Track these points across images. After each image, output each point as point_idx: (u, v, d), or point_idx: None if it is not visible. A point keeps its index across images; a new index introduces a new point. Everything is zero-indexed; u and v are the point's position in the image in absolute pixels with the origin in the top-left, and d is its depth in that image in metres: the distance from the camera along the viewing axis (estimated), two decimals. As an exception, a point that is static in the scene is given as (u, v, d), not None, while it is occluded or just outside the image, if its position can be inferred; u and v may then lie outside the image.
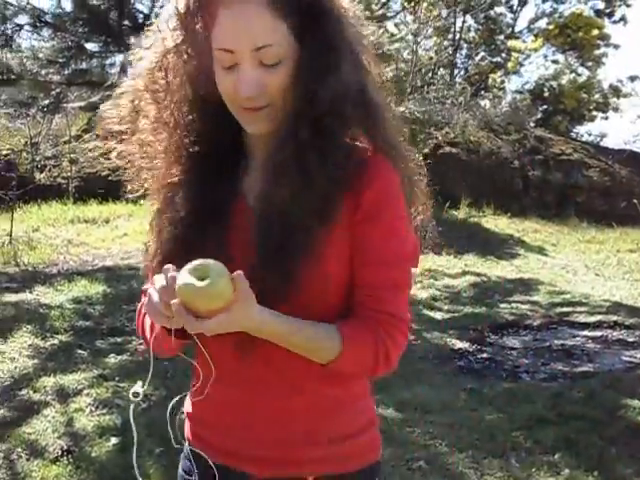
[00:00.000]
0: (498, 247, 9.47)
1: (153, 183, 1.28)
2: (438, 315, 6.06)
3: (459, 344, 5.24)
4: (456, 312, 6.15)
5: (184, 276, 1.02)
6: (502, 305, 6.42)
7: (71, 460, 3.23)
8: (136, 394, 1.13)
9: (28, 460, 3.25)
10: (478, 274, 7.68)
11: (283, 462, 1.22)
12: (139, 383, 1.15)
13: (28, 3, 7.09)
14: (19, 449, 3.35)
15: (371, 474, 1.29)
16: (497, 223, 11.18)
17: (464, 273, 7.70)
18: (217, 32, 1.13)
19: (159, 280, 1.07)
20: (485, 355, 5.05)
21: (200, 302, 1.01)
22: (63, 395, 4.01)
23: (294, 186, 1.13)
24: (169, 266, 1.06)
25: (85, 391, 4.07)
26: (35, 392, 4.05)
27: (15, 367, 4.42)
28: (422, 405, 3.97)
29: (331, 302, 1.18)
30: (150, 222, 1.29)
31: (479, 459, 3.37)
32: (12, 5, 6.94)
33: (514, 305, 6.41)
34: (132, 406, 1.17)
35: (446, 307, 6.33)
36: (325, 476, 1.24)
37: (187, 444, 1.32)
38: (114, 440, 3.45)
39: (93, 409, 3.82)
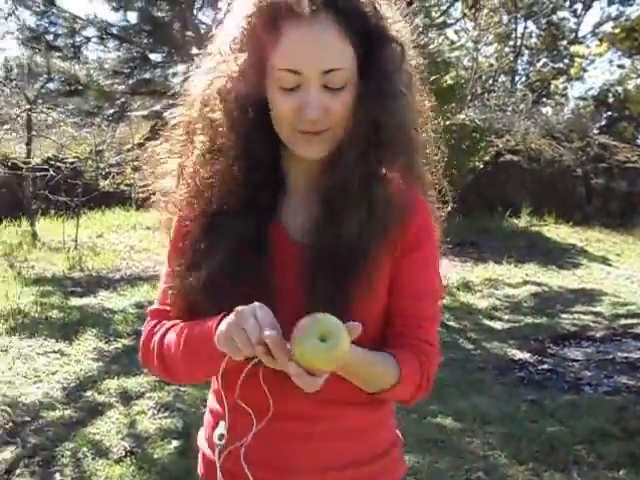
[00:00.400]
0: (560, 256, 9.30)
1: (188, 213, 1.20)
2: (498, 325, 5.99)
3: (519, 355, 5.17)
4: (516, 322, 6.06)
5: (307, 336, 0.97)
6: (564, 316, 6.30)
7: (134, 461, 3.30)
8: (221, 436, 1.14)
9: (93, 459, 3.34)
10: (539, 284, 7.56)
11: None
12: (222, 424, 1.16)
13: (95, 16, 7.31)
14: (84, 448, 3.44)
15: None
16: (559, 232, 10.98)
17: (525, 282, 7.59)
18: (282, 51, 1.08)
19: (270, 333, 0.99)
20: (546, 366, 4.96)
21: (323, 364, 0.98)
22: (126, 398, 4.11)
23: (362, 217, 1.13)
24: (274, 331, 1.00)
25: (147, 394, 4.15)
26: (100, 394, 4.16)
27: (80, 369, 4.55)
28: (481, 415, 3.92)
29: (372, 332, 1.17)
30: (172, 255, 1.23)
31: (540, 472, 3.32)
32: (80, 19, 7.16)
33: (576, 316, 6.29)
34: (217, 449, 1.16)
35: (506, 317, 6.25)
36: None
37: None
38: (175, 443, 3.52)
39: (155, 412, 3.90)
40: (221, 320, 1.07)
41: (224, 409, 1.17)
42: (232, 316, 1.03)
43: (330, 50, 1.08)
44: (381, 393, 1.16)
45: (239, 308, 1.03)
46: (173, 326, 1.20)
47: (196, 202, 1.18)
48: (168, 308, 1.23)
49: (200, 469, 1.31)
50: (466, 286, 7.31)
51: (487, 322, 6.07)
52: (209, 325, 1.10)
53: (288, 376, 1.02)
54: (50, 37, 7.54)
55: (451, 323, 5.96)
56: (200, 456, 1.32)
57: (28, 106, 10.67)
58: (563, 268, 8.57)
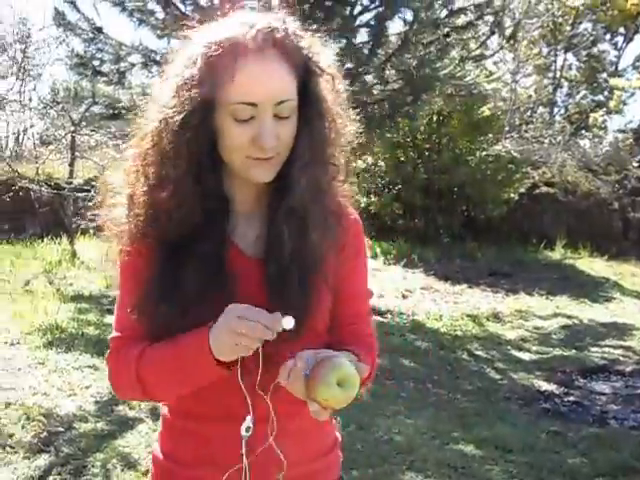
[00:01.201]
0: (593, 290, 9.24)
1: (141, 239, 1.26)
2: (526, 356, 5.99)
3: (545, 386, 5.17)
4: (544, 354, 6.06)
5: (328, 385, 1.10)
6: (593, 349, 6.28)
7: (161, 474, 3.40)
8: (248, 429, 1.24)
9: (122, 471, 3.45)
10: (570, 316, 7.53)
11: None
12: (249, 418, 1.24)
13: (140, 43, 7.55)
14: (114, 460, 3.56)
15: None
16: (593, 265, 10.91)
17: (555, 315, 7.57)
18: (239, 86, 1.14)
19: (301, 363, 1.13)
20: (572, 398, 4.96)
21: (339, 405, 1.12)
22: (156, 413, 4.21)
23: (318, 229, 1.25)
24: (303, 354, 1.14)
25: (162, 411, 4.25)
26: (131, 409, 4.28)
27: (113, 384, 4.67)
28: (503, 444, 3.95)
29: (322, 334, 1.32)
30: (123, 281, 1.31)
31: (559, 502, 3.34)
32: (126, 46, 7.40)
33: (606, 349, 6.26)
34: (244, 440, 1.25)
35: (534, 348, 6.25)
36: None
37: None
38: (202, 458, 3.61)
39: (183, 428, 3.99)
40: (203, 338, 1.17)
41: (246, 403, 1.24)
42: (228, 321, 1.14)
43: (281, 83, 1.17)
44: None
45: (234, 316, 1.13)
46: (145, 349, 1.24)
47: (149, 233, 1.24)
48: (128, 334, 1.28)
49: (152, 476, 1.40)
50: (496, 316, 7.33)
51: (515, 353, 6.07)
52: (195, 341, 1.18)
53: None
54: (96, 63, 7.80)
55: (479, 352, 5.99)
56: (152, 465, 1.40)
57: (72, 128, 10.99)
58: (595, 301, 8.52)
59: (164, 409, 1.38)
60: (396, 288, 8.41)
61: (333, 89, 1.26)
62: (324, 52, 1.26)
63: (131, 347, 1.25)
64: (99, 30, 7.18)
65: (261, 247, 1.28)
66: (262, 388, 1.23)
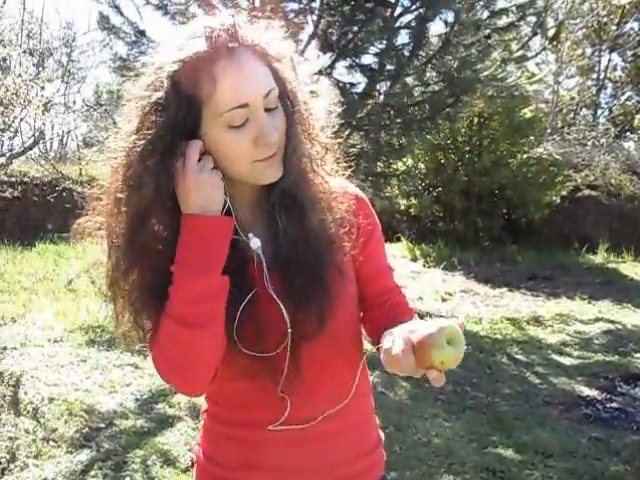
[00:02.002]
0: (636, 295, 9.04)
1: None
2: (567, 361, 5.90)
3: (587, 391, 5.08)
4: (586, 359, 5.95)
5: (442, 346, 1.11)
6: (637, 355, 6.14)
7: (199, 472, 3.43)
8: (257, 245, 1.23)
9: (162, 467, 3.49)
10: (612, 321, 7.39)
11: None
12: (252, 237, 1.23)
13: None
14: (154, 457, 3.61)
15: None
16: (637, 270, 10.69)
17: (597, 319, 7.43)
18: (225, 93, 1.11)
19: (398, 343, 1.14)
20: (615, 405, 4.87)
21: (455, 364, 1.13)
22: (195, 412, 4.25)
23: (316, 212, 1.24)
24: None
25: (202, 416, 4.28)
26: (170, 407, 4.33)
27: (153, 383, 4.74)
28: (543, 449, 3.89)
29: (352, 322, 1.34)
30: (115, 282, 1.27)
31: (600, 509, 3.29)
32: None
33: (650, 356, 6.13)
34: (255, 254, 1.23)
35: (576, 353, 6.14)
36: None
37: None
38: (239, 457, 3.63)
39: (222, 427, 4.03)
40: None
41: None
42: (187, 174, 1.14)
43: (261, 75, 1.14)
44: None
45: None
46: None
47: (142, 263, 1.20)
48: None
49: (195, 477, 1.42)
50: (537, 320, 7.23)
51: (556, 357, 5.98)
52: (183, 234, 1.16)
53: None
54: (139, 65, 7.91)
55: (519, 357, 5.91)
56: (196, 465, 1.42)
57: (115, 130, 11.17)
58: (639, 307, 8.35)
59: (204, 414, 1.41)
60: (436, 291, 8.36)
61: (292, 70, 1.23)
62: (273, 35, 1.21)
63: None
64: (142, 33, 7.27)
65: (268, 255, 1.25)
66: (289, 388, 1.24)
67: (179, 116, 1.11)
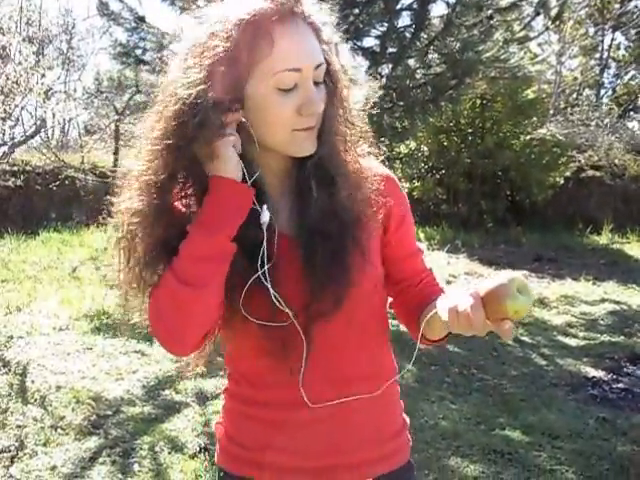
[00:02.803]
0: (642, 275, 9.05)
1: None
2: (573, 342, 5.90)
3: (593, 372, 5.08)
4: (592, 340, 5.95)
5: (515, 296, 1.11)
6: (642, 335, 6.15)
7: (207, 457, 3.45)
8: (264, 221, 1.20)
9: (169, 453, 3.50)
10: (618, 302, 7.38)
11: (358, 466, 1.31)
12: (265, 210, 1.19)
13: (183, 32, 7.58)
14: (161, 443, 3.62)
15: (411, 470, 1.41)
16: (642, 250, 10.68)
17: (602, 300, 7.42)
18: (280, 54, 1.11)
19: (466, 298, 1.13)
20: (621, 385, 4.86)
21: (526, 312, 1.14)
22: (202, 398, 4.27)
23: (347, 188, 1.24)
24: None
25: (222, 395, 4.29)
26: (177, 393, 4.34)
27: (159, 369, 4.74)
28: (550, 430, 3.90)
29: (374, 293, 1.32)
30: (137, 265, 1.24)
31: (608, 490, 3.29)
32: (168, 34, 7.45)
33: (655, 336, 6.12)
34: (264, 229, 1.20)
35: (582, 334, 6.14)
36: (385, 474, 1.34)
37: (228, 470, 1.36)
38: (247, 442, 3.64)
39: (229, 412, 4.04)
40: None
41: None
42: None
43: (315, 47, 1.16)
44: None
45: None
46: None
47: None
48: None
49: (218, 458, 1.40)
50: (542, 302, 7.22)
51: (561, 339, 5.98)
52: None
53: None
54: (139, 52, 7.87)
55: (525, 338, 5.91)
56: (218, 445, 1.41)
57: (116, 117, 11.14)
58: (644, 287, 8.34)
59: (227, 394, 1.41)
60: (440, 273, 8.29)
61: (337, 54, 1.25)
62: (327, 19, 1.23)
63: None
64: (142, 19, 7.24)
65: (293, 225, 1.25)
66: (302, 367, 1.23)
67: (233, 70, 1.11)
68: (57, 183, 10.32)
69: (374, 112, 1.37)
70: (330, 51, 1.21)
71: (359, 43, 6.79)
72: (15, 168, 10.82)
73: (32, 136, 11.31)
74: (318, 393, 1.25)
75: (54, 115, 11.90)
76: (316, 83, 1.17)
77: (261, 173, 1.22)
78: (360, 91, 1.30)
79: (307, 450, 1.28)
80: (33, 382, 4.35)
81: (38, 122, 11.19)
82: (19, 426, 3.73)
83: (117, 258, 1.27)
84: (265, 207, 1.19)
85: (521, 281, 1.12)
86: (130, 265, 1.24)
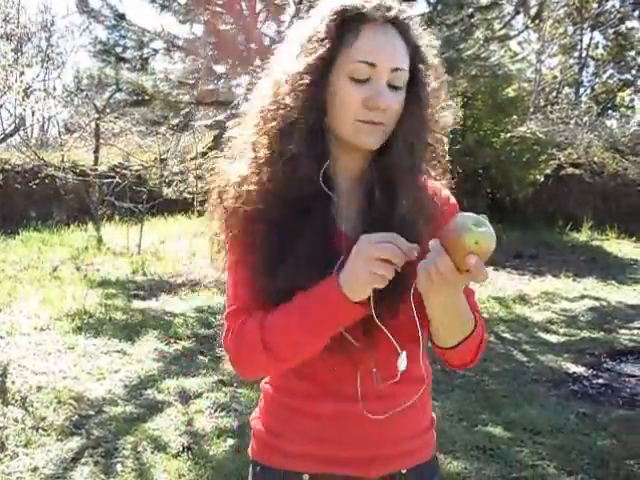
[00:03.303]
0: (620, 271, 9.14)
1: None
2: (553, 338, 5.95)
3: (574, 368, 5.13)
4: (572, 336, 6.01)
5: (469, 229, 1.07)
6: (622, 331, 6.21)
7: (191, 456, 3.44)
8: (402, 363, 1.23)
9: (152, 453, 3.49)
10: (597, 298, 7.46)
11: (387, 460, 1.34)
12: (403, 355, 1.22)
13: (163, 29, 7.56)
14: (144, 443, 3.60)
15: (436, 464, 1.47)
16: (621, 247, 10.79)
17: (582, 297, 7.50)
18: (361, 46, 1.21)
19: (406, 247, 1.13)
20: (601, 381, 4.92)
21: (492, 243, 1.09)
22: (184, 397, 4.26)
23: (407, 199, 1.26)
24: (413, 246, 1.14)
25: (205, 394, 4.30)
26: (159, 392, 4.33)
27: (142, 369, 4.73)
28: (532, 426, 3.93)
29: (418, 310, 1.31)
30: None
31: (589, 484, 3.32)
32: (148, 32, 7.41)
33: (634, 332, 6.19)
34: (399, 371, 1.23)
35: (562, 330, 6.20)
36: (413, 467, 1.37)
37: (264, 463, 1.38)
38: (231, 441, 3.64)
39: (212, 411, 4.04)
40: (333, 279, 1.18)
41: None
42: (363, 251, 1.14)
43: (399, 52, 1.24)
44: (459, 345, 1.27)
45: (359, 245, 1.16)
46: (267, 315, 1.24)
47: (267, 198, 1.26)
48: (246, 305, 1.28)
49: (254, 452, 1.41)
50: (522, 299, 7.28)
51: (542, 335, 6.03)
52: (323, 290, 1.19)
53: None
54: (119, 49, 7.82)
55: (506, 335, 5.96)
56: (254, 439, 1.42)
57: (96, 115, 11.06)
58: (623, 283, 8.43)
59: (266, 386, 1.41)
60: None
61: (435, 80, 1.31)
62: (431, 45, 1.32)
63: (250, 317, 1.26)
64: (122, 17, 7.20)
65: (361, 225, 1.27)
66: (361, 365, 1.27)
67: (332, 52, 1.22)
68: (37, 182, 10.23)
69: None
70: (425, 72, 1.28)
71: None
72: (-6, 167, 10.72)
73: (11, 134, 11.21)
74: (372, 390, 1.29)
75: (33, 113, 11.79)
76: (393, 87, 1.23)
77: (336, 168, 1.29)
78: (448, 117, 1.35)
79: (350, 442, 1.31)
80: (14, 383, 4.32)
81: (17, 120, 11.09)
82: (0, 427, 3.70)
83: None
84: (404, 354, 1.22)
85: (475, 217, 1.10)
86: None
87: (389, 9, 1.23)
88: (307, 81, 1.22)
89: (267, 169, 1.26)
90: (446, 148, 1.36)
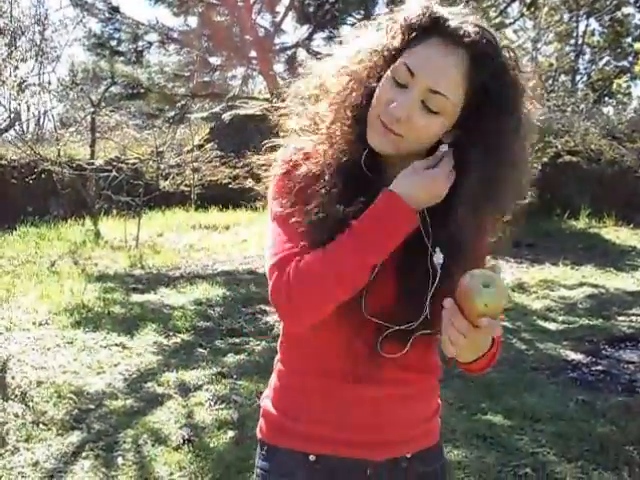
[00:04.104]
0: (618, 259, 9.15)
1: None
2: (552, 326, 5.96)
3: (573, 355, 5.14)
4: (571, 323, 6.02)
5: (479, 290, 1.10)
6: (620, 318, 6.22)
7: (191, 449, 3.44)
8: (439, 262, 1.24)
9: (153, 446, 3.49)
10: (596, 285, 7.47)
11: (393, 444, 1.36)
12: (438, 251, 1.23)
13: (157, 22, 7.53)
14: (145, 436, 3.60)
15: (440, 450, 1.49)
16: (619, 234, 10.79)
17: (581, 284, 7.51)
18: (415, 52, 1.20)
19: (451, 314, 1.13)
20: (600, 368, 4.93)
21: (502, 302, 1.11)
22: (184, 389, 4.26)
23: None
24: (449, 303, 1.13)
25: (205, 387, 4.30)
26: (159, 385, 4.33)
27: (141, 362, 4.73)
28: (531, 413, 3.94)
29: None
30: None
31: (589, 470, 3.33)
32: (143, 25, 7.39)
33: (633, 318, 6.20)
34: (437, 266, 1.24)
35: (561, 318, 6.21)
36: (417, 452, 1.39)
37: (272, 443, 1.39)
38: (231, 433, 3.65)
39: (212, 404, 4.04)
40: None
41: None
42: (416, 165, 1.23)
43: (447, 78, 1.19)
44: (477, 360, 1.27)
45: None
46: (324, 248, 1.23)
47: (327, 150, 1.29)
48: (294, 251, 1.25)
49: (262, 432, 1.41)
50: (521, 287, 7.29)
51: (541, 323, 6.04)
52: (382, 203, 1.22)
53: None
54: (114, 43, 7.80)
55: (505, 323, 5.95)
56: (262, 419, 1.42)
57: (92, 109, 11.03)
58: (622, 270, 8.44)
59: (279, 365, 1.41)
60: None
61: (516, 133, 1.25)
62: (519, 65, 1.24)
63: (307, 255, 1.23)
64: (115, 9, 7.17)
65: None
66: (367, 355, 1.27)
67: (393, 47, 1.24)
68: (33, 177, 10.21)
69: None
70: (494, 115, 1.20)
71: (335, 32, 6.78)
72: (-10, 162, 10.70)
73: (6, 129, 11.16)
74: (382, 374, 1.30)
75: (29, 108, 11.77)
76: (427, 107, 1.19)
77: (385, 165, 1.28)
78: (521, 175, 1.33)
79: (357, 425, 1.32)
80: (13, 378, 4.32)
81: (12, 115, 11.05)
82: (0, 423, 3.70)
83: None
84: (438, 249, 1.23)
85: (484, 274, 1.12)
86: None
87: (467, 35, 1.18)
88: (372, 64, 1.25)
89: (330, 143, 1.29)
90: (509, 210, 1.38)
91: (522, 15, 12.33)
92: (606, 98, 19.44)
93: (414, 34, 1.21)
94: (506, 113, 1.22)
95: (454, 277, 1.16)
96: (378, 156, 1.26)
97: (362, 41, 1.29)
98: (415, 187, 1.21)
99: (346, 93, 1.28)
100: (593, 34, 20.59)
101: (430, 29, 1.20)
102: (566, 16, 19.91)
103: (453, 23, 1.20)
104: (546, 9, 17.95)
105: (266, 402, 1.42)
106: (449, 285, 1.17)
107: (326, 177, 1.26)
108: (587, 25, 20.00)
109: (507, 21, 9.97)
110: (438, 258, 1.22)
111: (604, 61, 20.56)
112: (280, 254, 1.25)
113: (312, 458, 1.33)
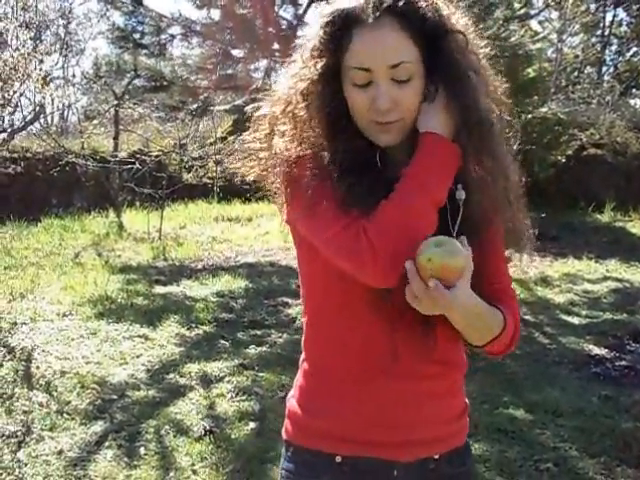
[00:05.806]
0: (644, 253, 9.04)
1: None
2: (575, 320, 5.91)
3: (596, 350, 5.10)
4: (595, 318, 5.96)
5: (426, 247, 1.11)
6: (645, 313, 6.15)
7: (213, 440, 3.47)
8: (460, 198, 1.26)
9: (175, 437, 3.52)
10: (620, 280, 7.38)
11: (423, 444, 1.34)
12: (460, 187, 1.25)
13: (180, 15, 7.56)
14: (167, 426, 3.64)
15: (469, 448, 1.45)
16: (644, 228, 10.66)
17: (605, 278, 7.43)
18: (353, 53, 1.21)
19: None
20: (624, 363, 4.88)
21: (452, 263, 1.11)
22: (206, 381, 4.29)
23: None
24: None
25: (226, 378, 4.33)
26: (181, 377, 4.36)
27: (163, 353, 4.77)
28: (553, 408, 3.91)
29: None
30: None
31: (612, 466, 3.30)
32: (166, 17, 7.41)
33: (658, 313, 6.13)
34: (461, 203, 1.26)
35: (584, 312, 6.15)
36: (445, 453, 1.36)
37: (297, 444, 1.37)
38: (252, 425, 3.66)
39: (233, 395, 4.06)
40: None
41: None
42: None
43: (394, 47, 1.20)
44: (488, 343, 1.29)
45: None
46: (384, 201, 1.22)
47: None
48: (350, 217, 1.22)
49: (288, 432, 1.40)
50: (544, 281, 7.23)
51: (564, 317, 5.99)
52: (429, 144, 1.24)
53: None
54: (137, 36, 7.84)
55: (528, 317, 5.92)
56: (288, 420, 1.41)
57: (116, 102, 11.09)
58: (647, 265, 8.33)
59: (304, 364, 1.40)
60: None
61: (466, 47, 1.26)
62: (450, 9, 1.26)
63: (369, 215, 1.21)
64: (139, 3, 7.20)
65: None
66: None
67: (331, 61, 1.24)
68: (57, 169, 10.28)
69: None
70: (445, 46, 1.23)
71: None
72: (15, 155, 10.80)
73: (31, 122, 11.25)
74: (411, 369, 1.30)
75: (53, 101, 11.86)
76: (397, 80, 1.21)
77: (391, 153, 1.28)
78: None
79: (384, 425, 1.31)
80: (38, 368, 4.37)
81: (37, 108, 11.13)
82: (25, 411, 3.75)
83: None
84: (460, 186, 1.25)
85: (442, 238, 1.13)
86: None
87: (381, 3, 1.19)
88: (319, 89, 1.26)
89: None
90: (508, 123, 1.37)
91: (547, 6, 12.21)
92: (633, 90, 19.15)
93: (337, 42, 1.22)
94: (453, 32, 1.24)
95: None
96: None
97: (298, 84, 1.28)
98: (441, 122, 1.24)
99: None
100: (620, 24, 20.28)
101: (347, 25, 1.21)
102: (593, 6, 19.62)
103: (359, 7, 1.20)
104: (572, 0, 17.74)
105: (292, 402, 1.40)
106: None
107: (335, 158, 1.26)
108: (614, 15, 19.72)
109: (532, 12, 9.85)
110: (460, 194, 1.24)
111: (632, 52, 20.23)
112: (339, 225, 1.20)
113: (339, 459, 1.31)
